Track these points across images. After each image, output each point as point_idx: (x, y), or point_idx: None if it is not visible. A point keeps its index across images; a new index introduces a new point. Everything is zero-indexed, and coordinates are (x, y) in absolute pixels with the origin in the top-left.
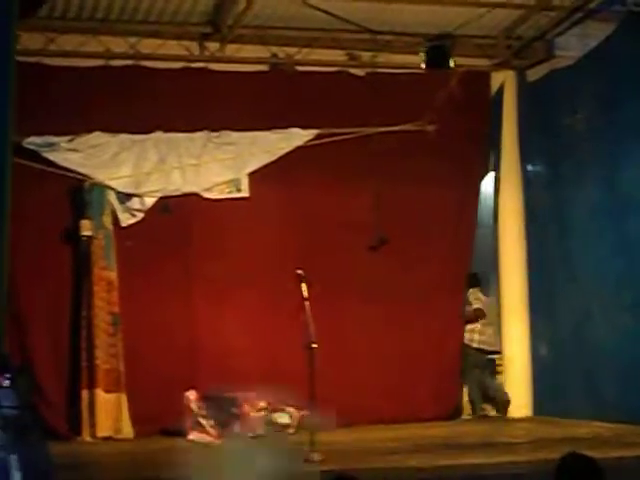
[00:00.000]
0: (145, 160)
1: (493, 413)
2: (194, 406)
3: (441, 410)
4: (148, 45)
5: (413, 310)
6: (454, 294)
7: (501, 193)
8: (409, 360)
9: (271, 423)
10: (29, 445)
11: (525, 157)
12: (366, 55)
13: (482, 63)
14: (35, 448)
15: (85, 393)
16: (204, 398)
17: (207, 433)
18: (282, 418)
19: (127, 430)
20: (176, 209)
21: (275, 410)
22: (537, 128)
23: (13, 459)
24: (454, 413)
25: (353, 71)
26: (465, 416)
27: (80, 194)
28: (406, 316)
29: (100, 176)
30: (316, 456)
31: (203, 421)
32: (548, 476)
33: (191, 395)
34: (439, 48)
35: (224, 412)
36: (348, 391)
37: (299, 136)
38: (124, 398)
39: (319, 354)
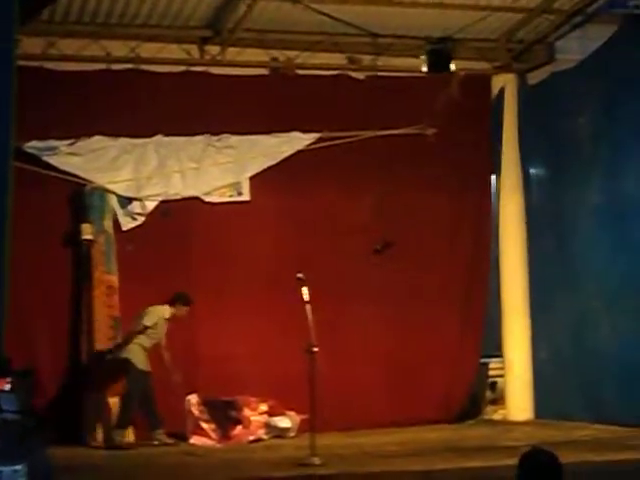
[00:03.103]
0: (146, 164)
1: None
2: (195, 410)
3: (446, 413)
4: (148, 49)
5: (416, 313)
6: (469, 296)
7: (502, 196)
8: (412, 364)
9: (272, 427)
10: (30, 449)
11: (526, 160)
12: (366, 58)
13: (483, 66)
14: (36, 452)
15: (86, 397)
16: (205, 402)
17: (208, 437)
18: (282, 422)
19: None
20: (177, 213)
21: (276, 414)
22: (538, 131)
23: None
24: (460, 416)
25: (353, 74)
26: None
27: (81, 198)
28: (409, 319)
29: (101, 180)
30: (316, 460)
31: (204, 425)
32: None
33: (192, 399)
34: (440, 51)
35: (225, 416)
36: (349, 395)
37: (300, 140)
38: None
39: (320, 358)
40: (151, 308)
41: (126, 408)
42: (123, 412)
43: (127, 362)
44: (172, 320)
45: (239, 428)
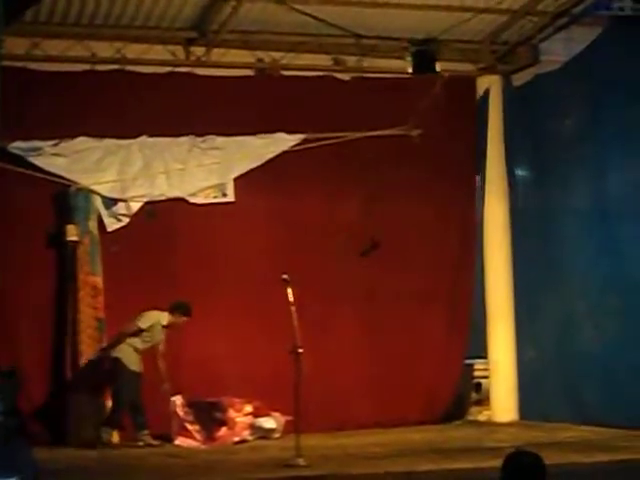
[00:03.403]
0: (130, 165)
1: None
2: (180, 411)
3: (430, 414)
4: (134, 50)
5: (401, 314)
6: (454, 297)
7: (487, 197)
8: (397, 365)
9: (257, 428)
10: (14, 450)
11: (510, 161)
12: (351, 60)
13: (467, 68)
14: (20, 453)
15: (71, 398)
16: (190, 403)
17: (193, 438)
18: (268, 423)
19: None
20: (161, 214)
21: (260, 415)
22: (522, 132)
23: None
24: (445, 417)
25: (338, 76)
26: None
27: (65, 199)
28: (395, 320)
29: (85, 181)
30: (301, 461)
31: (189, 426)
32: None
33: (177, 400)
34: (425, 53)
35: (210, 417)
36: (334, 396)
37: (285, 141)
38: (109, 404)
39: (305, 359)
40: (148, 312)
41: (115, 407)
42: (112, 411)
43: (117, 361)
44: (170, 328)
45: (224, 429)
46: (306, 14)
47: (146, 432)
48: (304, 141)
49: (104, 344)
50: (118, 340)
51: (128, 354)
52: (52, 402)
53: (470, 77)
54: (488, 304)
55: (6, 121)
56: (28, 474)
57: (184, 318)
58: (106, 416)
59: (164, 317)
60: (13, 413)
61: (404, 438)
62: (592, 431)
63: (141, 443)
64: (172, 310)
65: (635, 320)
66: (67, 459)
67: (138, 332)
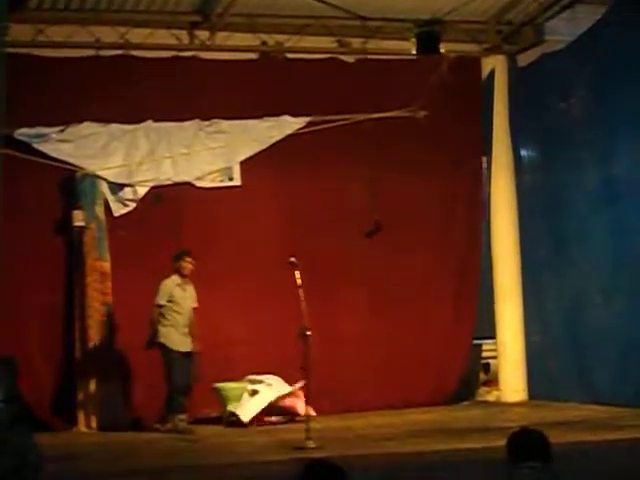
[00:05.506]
0: (136, 150)
1: None
2: None
3: (439, 395)
4: (138, 35)
5: (409, 296)
6: (461, 278)
7: (493, 178)
8: (405, 346)
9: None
10: (16, 437)
11: (517, 141)
12: (356, 42)
13: (472, 48)
14: (23, 440)
15: (80, 383)
16: None
17: None
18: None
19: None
20: (168, 198)
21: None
22: (528, 112)
23: None
24: (454, 398)
25: (343, 58)
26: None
27: (72, 185)
28: (402, 302)
29: (91, 166)
30: (311, 443)
31: None
32: None
33: None
34: (429, 34)
35: None
36: (343, 378)
37: (290, 124)
38: (121, 387)
39: (314, 341)
40: (160, 286)
41: (173, 392)
42: (171, 398)
43: (162, 346)
44: (190, 279)
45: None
46: None
47: (183, 417)
48: (309, 124)
49: (111, 330)
50: (152, 327)
51: (170, 335)
52: (61, 387)
53: (475, 58)
54: (496, 284)
55: (11, 108)
56: (32, 460)
57: (189, 259)
58: (168, 405)
59: (174, 280)
60: (14, 400)
61: (413, 419)
62: (600, 410)
63: (169, 426)
64: (175, 268)
65: None
66: (77, 444)
67: (159, 309)
